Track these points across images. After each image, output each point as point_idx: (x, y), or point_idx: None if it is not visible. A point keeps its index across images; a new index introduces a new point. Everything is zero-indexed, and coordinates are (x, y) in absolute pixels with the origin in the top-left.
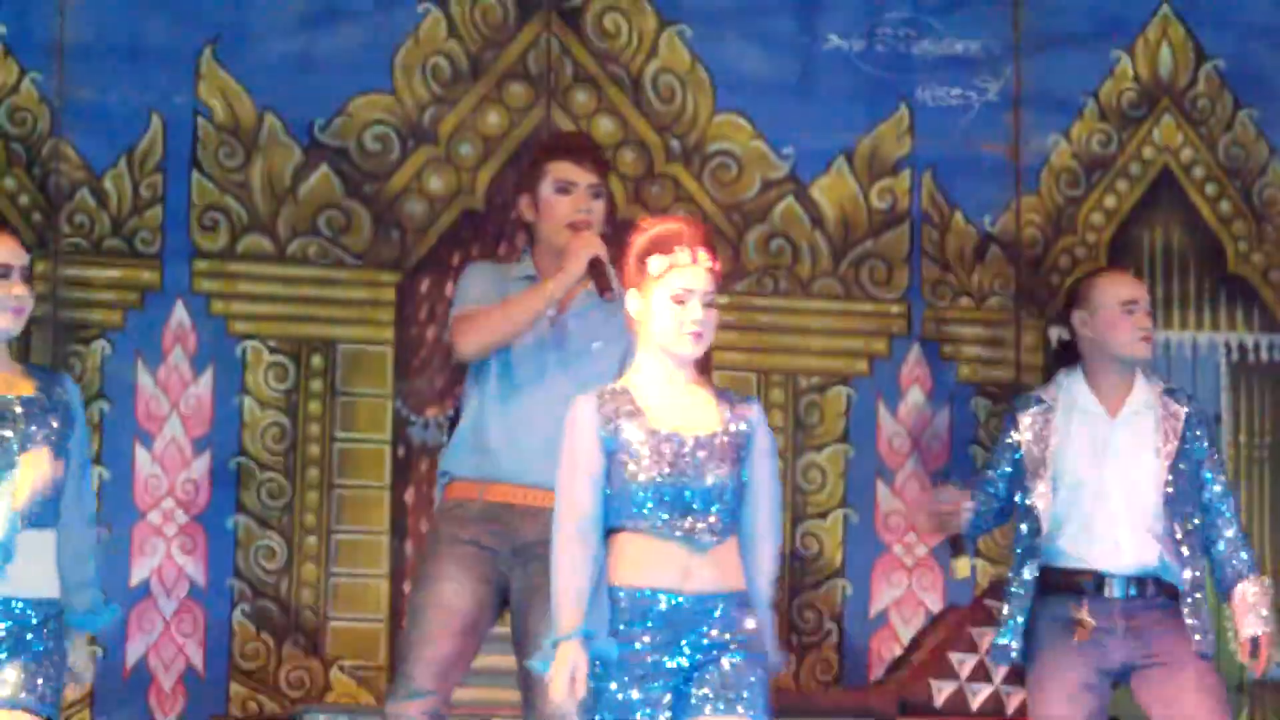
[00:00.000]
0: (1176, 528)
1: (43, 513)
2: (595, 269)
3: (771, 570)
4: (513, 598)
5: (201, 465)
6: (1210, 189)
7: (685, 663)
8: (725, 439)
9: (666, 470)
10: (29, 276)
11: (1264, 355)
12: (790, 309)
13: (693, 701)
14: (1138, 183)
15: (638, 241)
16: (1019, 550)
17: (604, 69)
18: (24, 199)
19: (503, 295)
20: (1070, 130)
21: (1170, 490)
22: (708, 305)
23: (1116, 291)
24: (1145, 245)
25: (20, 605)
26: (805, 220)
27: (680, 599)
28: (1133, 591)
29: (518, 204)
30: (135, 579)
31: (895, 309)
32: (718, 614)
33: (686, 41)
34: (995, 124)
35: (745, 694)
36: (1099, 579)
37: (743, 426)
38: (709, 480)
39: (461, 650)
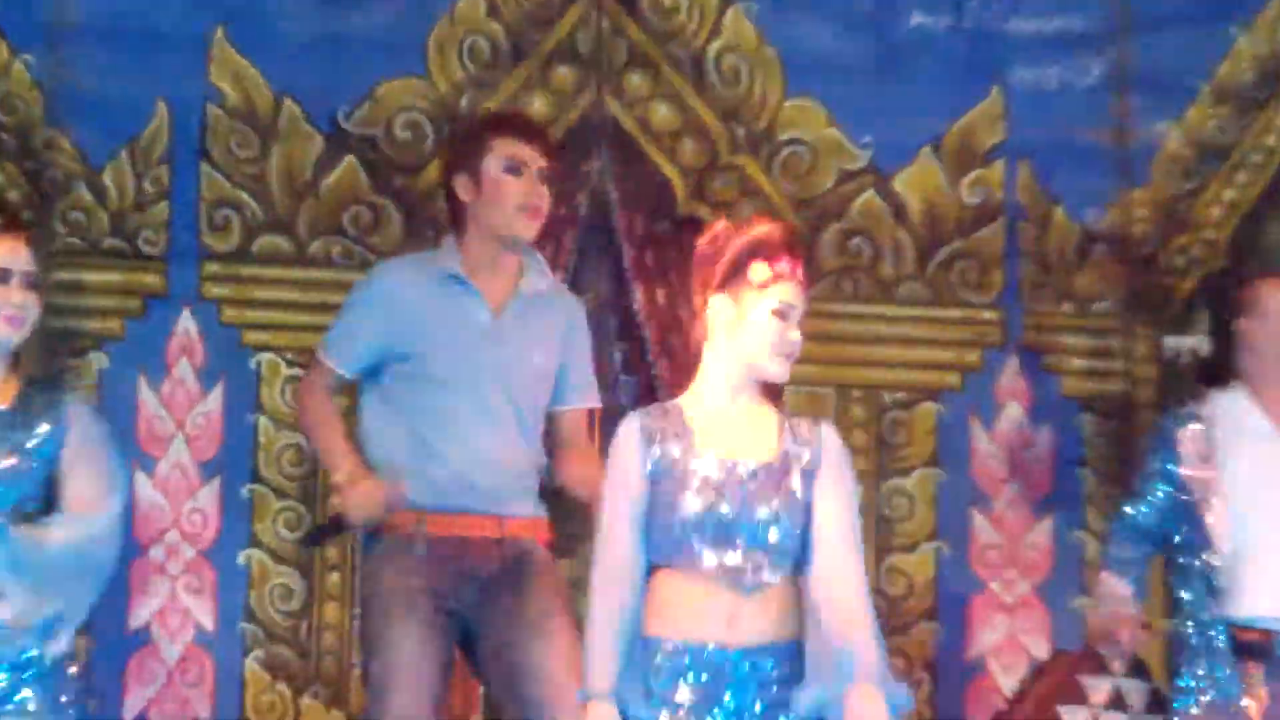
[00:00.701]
0: None
1: None
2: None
3: (857, 601)
4: (488, 632)
5: (210, 493)
6: None
7: None
8: (783, 467)
9: (711, 502)
10: (34, 283)
11: None
12: (871, 316)
13: None
14: (1260, 173)
15: (736, 242)
16: (1191, 587)
17: (661, 49)
18: (14, 194)
19: (420, 298)
20: (1183, 116)
21: None
22: (798, 326)
23: None
24: (1270, 242)
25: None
26: (888, 216)
27: (725, 651)
28: None
29: (449, 183)
30: (135, 622)
31: (989, 315)
32: (770, 669)
33: (753, 18)
34: (1099, 109)
35: None
36: (1270, 636)
37: (807, 452)
38: (759, 514)
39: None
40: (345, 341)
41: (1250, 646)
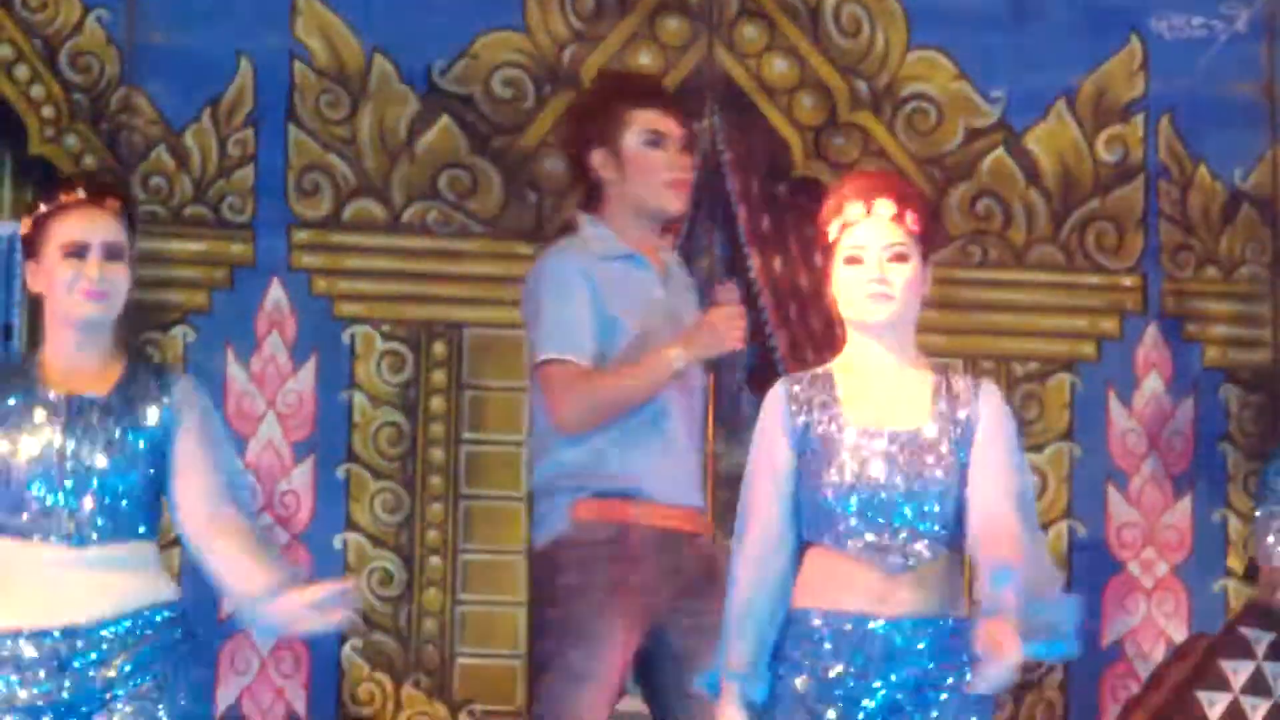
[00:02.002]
0: None
1: (114, 525)
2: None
3: (1018, 550)
4: (671, 637)
5: (303, 474)
6: None
7: (886, 700)
8: (938, 433)
9: (862, 473)
10: (120, 254)
11: None
12: (1002, 282)
13: None
14: None
15: (821, 213)
16: None
17: None
18: (90, 159)
19: (601, 295)
20: None
21: None
22: (896, 260)
23: None
24: None
25: (105, 628)
26: (1019, 176)
27: (878, 625)
28: None
29: (584, 159)
30: (226, 609)
31: (1128, 281)
32: (924, 645)
33: None
34: (1246, 59)
35: None
36: None
37: (964, 413)
38: (913, 484)
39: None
40: (580, 335)
41: None
